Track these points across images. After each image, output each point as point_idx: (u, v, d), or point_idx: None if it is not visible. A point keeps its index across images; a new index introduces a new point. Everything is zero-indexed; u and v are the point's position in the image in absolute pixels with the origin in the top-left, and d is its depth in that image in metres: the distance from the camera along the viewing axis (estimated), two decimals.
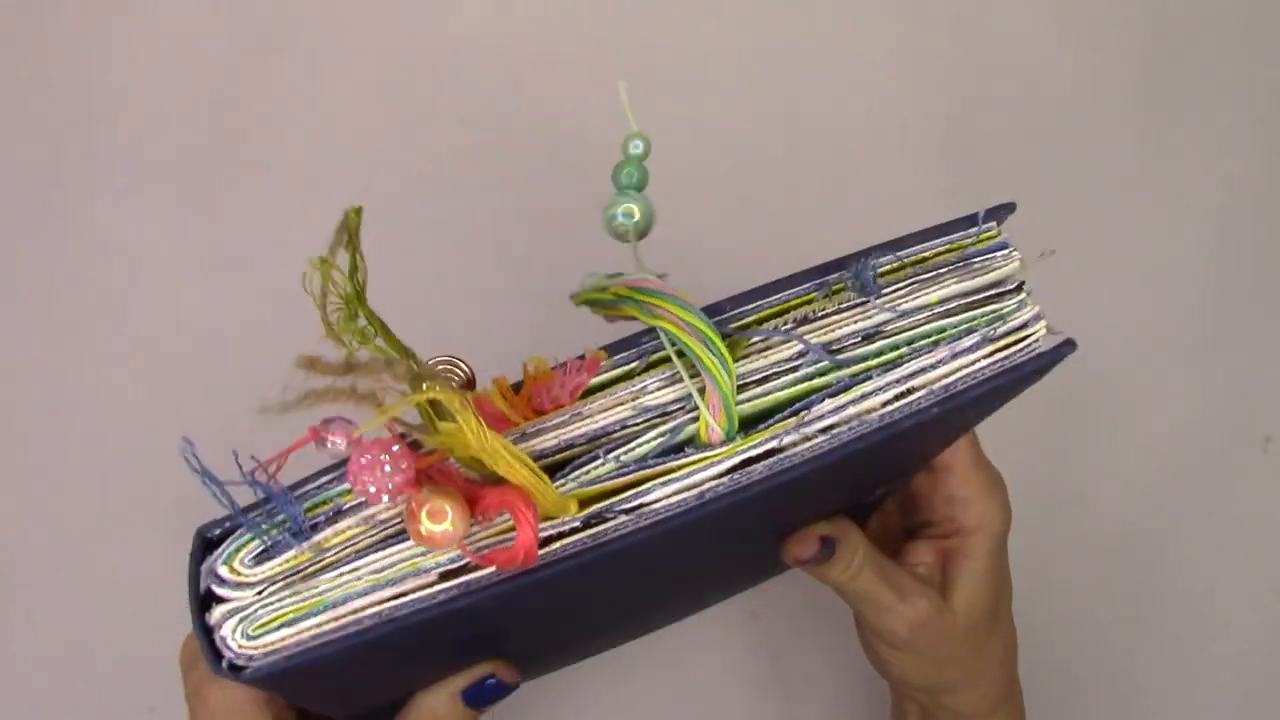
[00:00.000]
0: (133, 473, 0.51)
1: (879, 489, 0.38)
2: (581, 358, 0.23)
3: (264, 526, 0.22)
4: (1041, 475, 0.55)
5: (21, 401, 0.50)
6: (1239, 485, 0.56)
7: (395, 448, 0.20)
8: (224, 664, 0.22)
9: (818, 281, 0.25)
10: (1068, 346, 0.26)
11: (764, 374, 0.24)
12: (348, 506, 0.23)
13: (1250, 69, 0.52)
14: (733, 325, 0.24)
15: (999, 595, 0.39)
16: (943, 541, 0.38)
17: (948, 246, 0.26)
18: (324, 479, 0.23)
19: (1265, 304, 0.54)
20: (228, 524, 0.23)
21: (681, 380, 0.23)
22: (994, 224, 0.26)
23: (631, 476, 0.23)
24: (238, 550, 0.23)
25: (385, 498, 0.20)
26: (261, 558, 0.23)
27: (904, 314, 0.25)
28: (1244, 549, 0.57)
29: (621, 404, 0.23)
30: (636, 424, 0.23)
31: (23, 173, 0.49)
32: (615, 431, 0.23)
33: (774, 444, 0.23)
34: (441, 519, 0.20)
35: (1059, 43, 0.51)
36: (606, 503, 0.23)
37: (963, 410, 0.24)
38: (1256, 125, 0.53)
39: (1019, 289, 0.26)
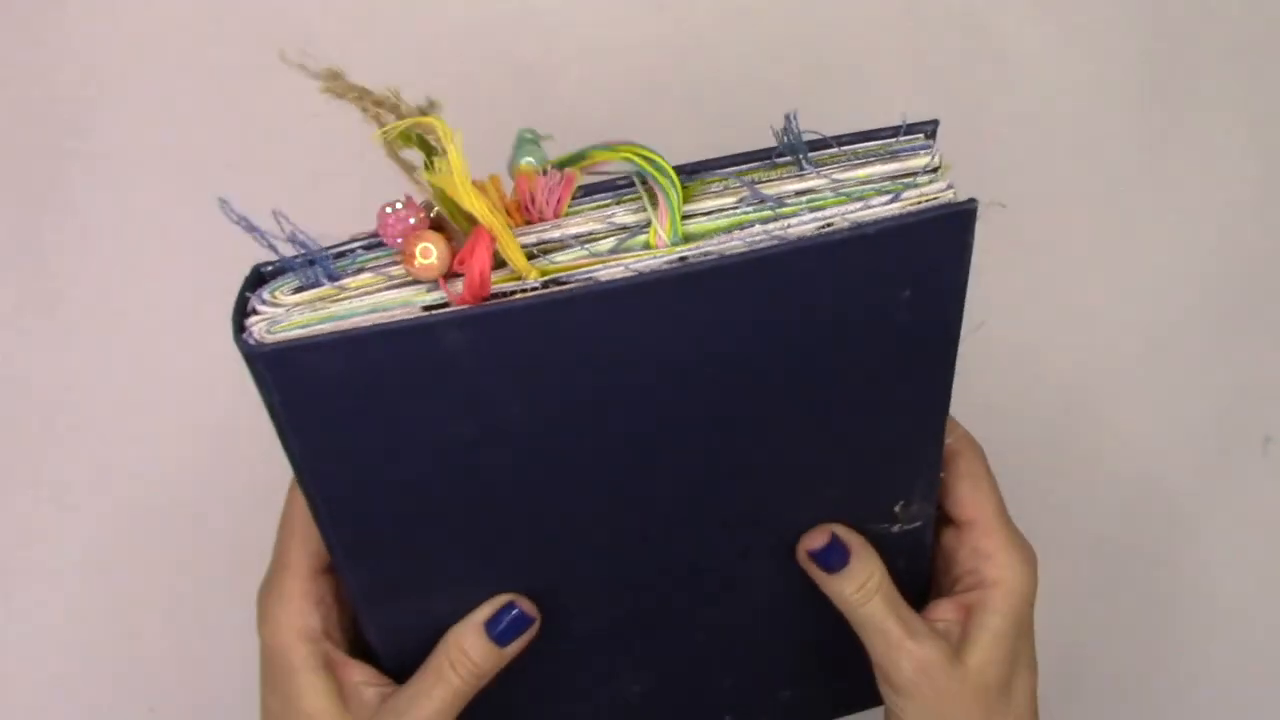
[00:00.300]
0: (133, 473, 0.51)
1: (894, 502, 0.38)
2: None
3: (303, 268, 0.29)
4: (1041, 475, 0.55)
5: (19, 389, 0.50)
6: (1239, 485, 0.56)
7: (414, 218, 0.28)
8: (246, 341, 0.28)
9: (765, 161, 0.31)
10: (970, 203, 0.30)
11: (709, 210, 0.30)
12: (370, 267, 0.30)
13: (1250, 69, 0.52)
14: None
15: (1016, 664, 0.38)
16: (964, 596, 0.38)
17: (880, 145, 0.31)
18: (357, 245, 0.30)
19: (1265, 304, 0.55)
20: (277, 265, 0.29)
21: (645, 209, 0.30)
22: (921, 135, 0.32)
23: (589, 260, 0.29)
24: (279, 286, 0.29)
25: (399, 240, 0.28)
26: (296, 291, 0.29)
27: (834, 181, 0.31)
28: (1244, 549, 0.57)
29: (593, 221, 0.30)
30: (601, 232, 0.30)
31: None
32: (584, 238, 0.30)
33: (711, 247, 0.29)
34: (429, 255, 0.28)
35: (1058, 41, 0.51)
36: (565, 274, 0.29)
37: (873, 248, 0.30)
38: (1256, 125, 0.53)
39: (935, 172, 0.31)
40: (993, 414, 0.54)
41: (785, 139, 0.31)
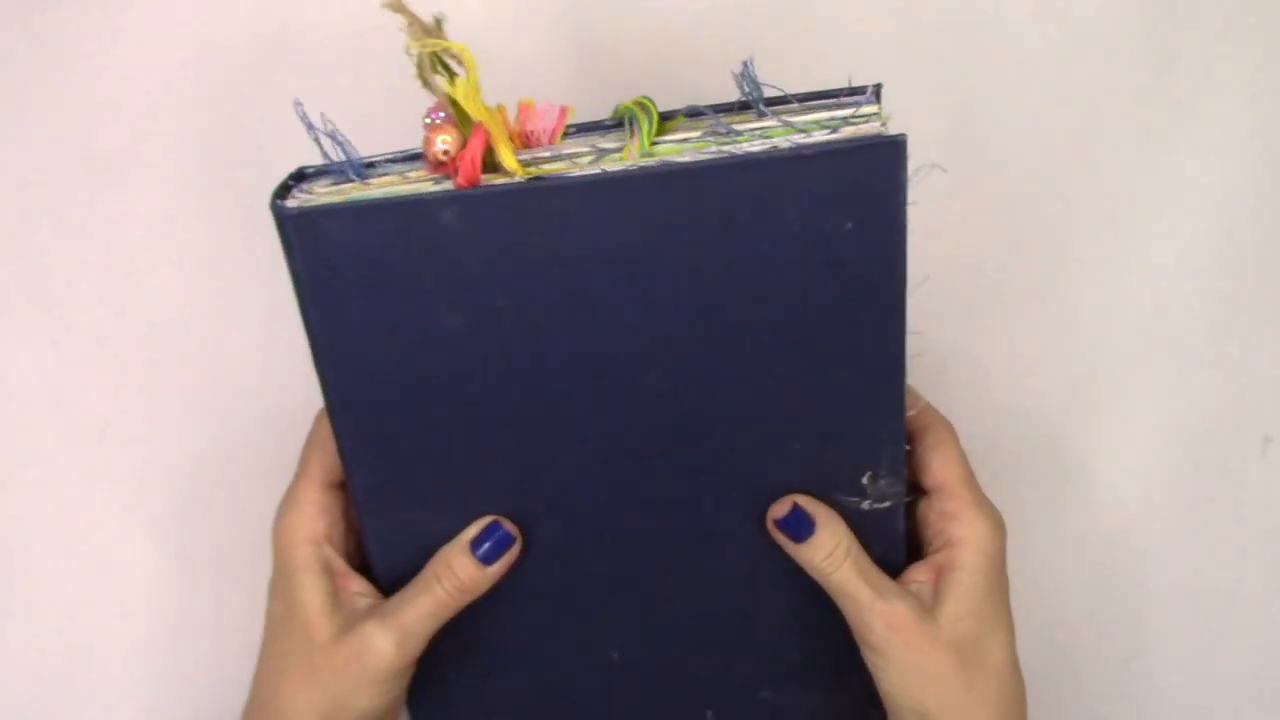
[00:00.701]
0: (135, 473, 0.52)
1: (860, 472, 0.39)
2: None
3: (338, 172, 0.35)
4: (1041, 475, 0.55)
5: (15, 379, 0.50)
6: (1239, 485, 0.56)
7: (443, 116, 0.34)
8: (280, 206, 0.34)
9: (731, 109, 0.36)
10: (899, 136, 0.34)
11: (679, 139, 0.35)
12: (393, 172, 0.35)
13: (1250, 68, 0.52)
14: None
15: (990, 622, 0.39)
16: (934, 557, 0.40)
17: (831, 102, 0.36)
18: (386, 158, 0.36)
19: (1265, 304, 0.54)
20: (318, 168, 0.35)
21: (625, 138, 0.35)
22: (866, 92, 0.36)
23: (569, 166, 0.34)
24: (317, 182, 0.35)
25: (426, 131, 0.34)
26: (329, 184, 0.35)
27: (785, 122, 0.35)
28: (1244, 549, 0.57)
29: (580, 145, 0.35)
30: (585, 153, 0.35)
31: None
32: (570, 156, 0.35)
33: (670, 159, 0.34)
34: (446, 144, 0.33)
35: (1058, 40, 0.51)
36: (548, 176, 0.34)
37: (811, 171, 0.34)
38: (1257, 125, 0.53)
39: (874, 118, 0.35)
40: (992, 414, 0.55)
41: (744, 85, 0.36)
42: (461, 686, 0.43)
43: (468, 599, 0.38)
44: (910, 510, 0.42)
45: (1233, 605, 0.57)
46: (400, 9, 0.33)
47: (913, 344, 0.38)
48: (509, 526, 0.38)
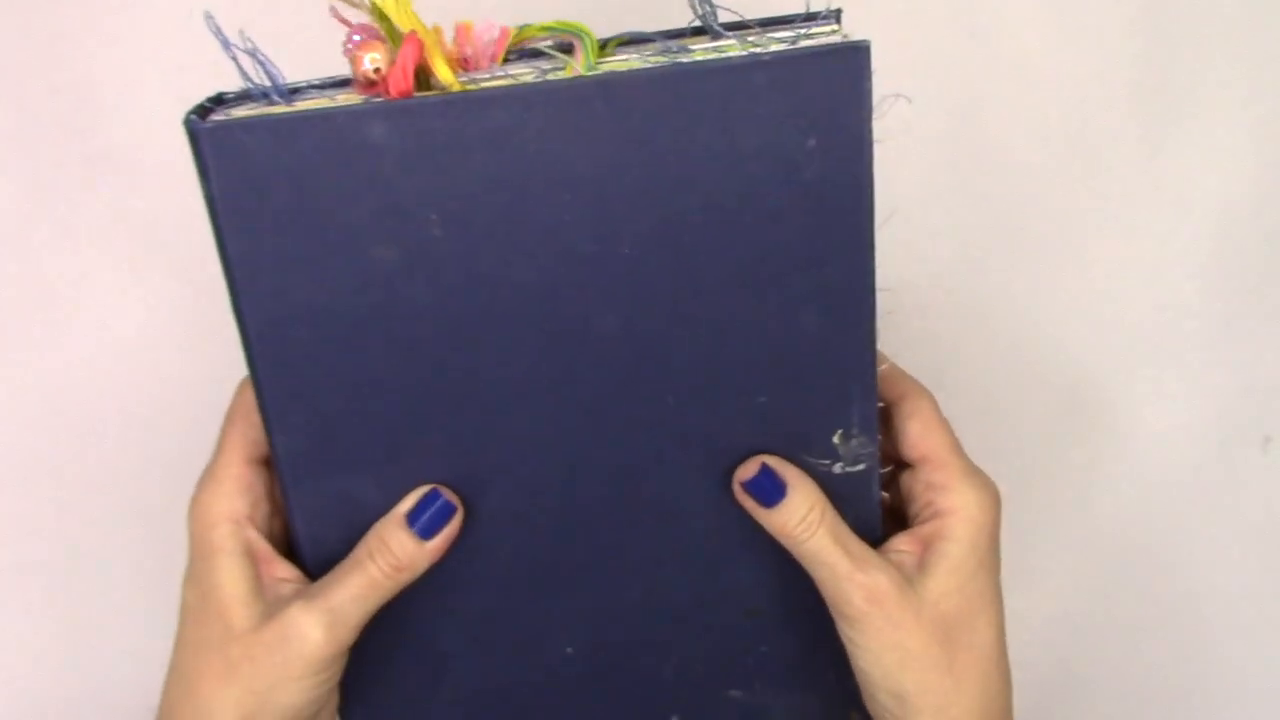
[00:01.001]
0: (136, 473, 0.52)
1: (831, 430, 0.37)
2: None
3: (260, 97, 0.32)
4: (1041, 475, 0.55)
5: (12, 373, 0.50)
6: (1239, 485, 0.56)
7: (370, 35, 0.31)
8: (193, 122, 0.31)
9: (683, 34, 0.34)
10: (864, 41, 0.32)
11: (625, 57, 0.33)
12: (320, 96, 0.32)
13: (1251, 68, 0.52)
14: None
15: (978, 600, 0.36)
16: (921, 529, 0.37)
17: (790, 27, 0.34)
18: (312, 85, 0.33)
19: (1265, 304, 0.55)
20: (239, 92, 0.32)
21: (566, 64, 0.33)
22: (825, 15, 0.34)
23: (510, 82, 0.32)
24: (237, 106, 0.32)
25: (350, 44, 0.31)
26: (250, 108, 0.32)
27: (743, 41, 0.32)
28: (1244, 549, 0.57)
29: (521, 69, 0.32)
30: (528, 71, 0.32)
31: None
32: (511, 76, 0.32)
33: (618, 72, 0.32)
34: (375, 63, 0.30)
35: (1057, 40, 0.51)
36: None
37: (768, 81, 0.32)
38: (1257, 125, 0.53)
39: (836, 33, 0.33)
40: (993, 413, 0.55)
41: (696, 4, 0.33)
42: (402, 690, 0.39)
43: (405, 578, 0.35)
44: (894, 485, 0.39)
45: (1233, 605, 0.57)
46: None
47: (884, 300, 0.36)
48: (449, 495, 0.35)
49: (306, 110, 0.31)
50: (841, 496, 0.37)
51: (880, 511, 0.38)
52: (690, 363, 0.35)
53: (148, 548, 0.51)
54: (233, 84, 0.32)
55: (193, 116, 0.31)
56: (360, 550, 0.35)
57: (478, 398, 0.35)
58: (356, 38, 0.31)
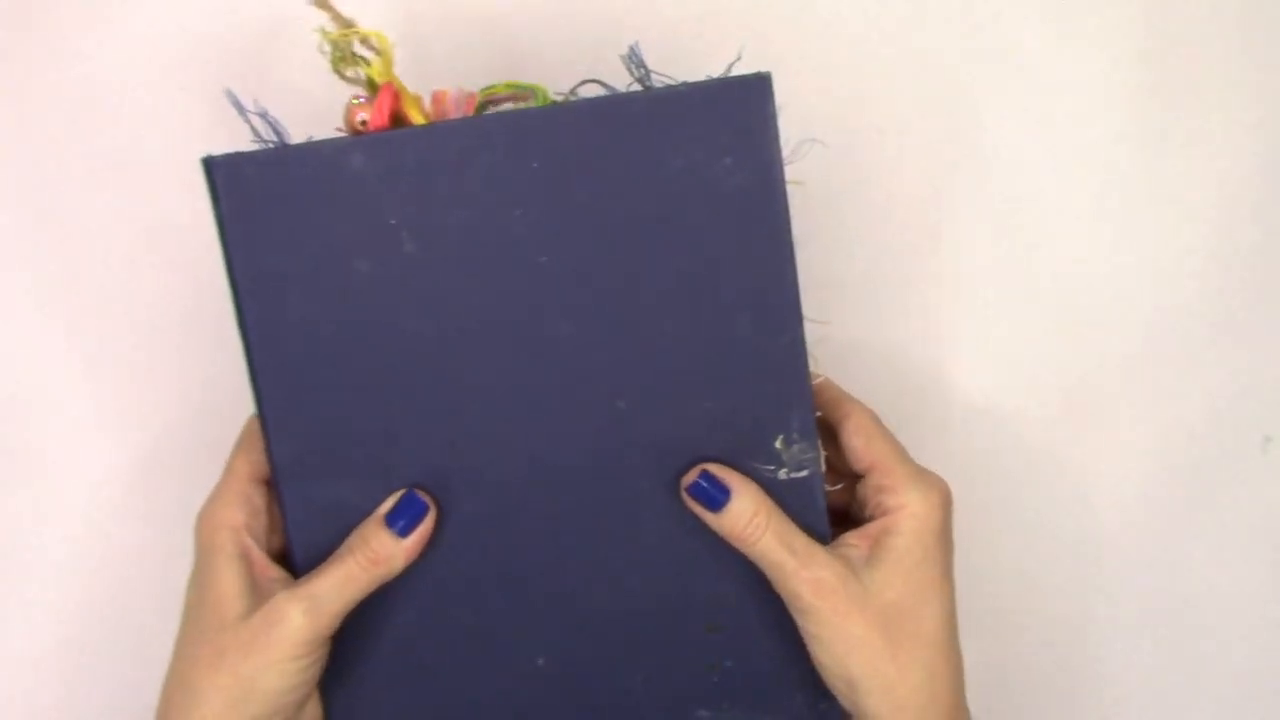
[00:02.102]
0: (136, 473, 0.52)
1: (773, 435, 0.39)
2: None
3: (268, 142, 0.37)
4: (1040, 475, 0.55)
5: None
6: (1239, 485, 0.56)
7: (365, 99, 0.38)
8: (210, 158, 0.36)
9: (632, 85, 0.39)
10: (765, 73, 0.37)
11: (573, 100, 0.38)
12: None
13: (1250, 69, 0.52)
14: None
15: (925, 591, 0.39)
16: (869, 526, 0.40)
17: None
18: (315, 139, 0.37)
19: (1265, 304, 0.55)
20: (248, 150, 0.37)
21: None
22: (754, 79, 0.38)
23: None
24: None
25: (350, 107, 0.37)
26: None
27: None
28: (1244, 549, 0.57)
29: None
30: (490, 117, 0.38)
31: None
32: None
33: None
34: (365, 116, 0.37)
35: (1057, 40, 0.51)
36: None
37: (681, 109, 0.37)
38: (1257, 125, 0.53)
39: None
40: (991, 415, 0.55)
41: (631, 67, 0.38)
42: (389, 699, 0.41)
43: (381, 573, 0.38)
44: (850, 495, 0.42)
45: (1232, 606, 0.57)
46: (325, 5, 0.37)
47: (814, 331, 0.38)
48: (423, 495, 0.39)
49: (298, 145, 0.37)
50: (789, 503, 0.39)
51: (827, 516, 0.40)
52: (637, 367, 0.39)
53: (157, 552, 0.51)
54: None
55: (208, 155, 0.36)
56: (343, 546, 0.39)
57: (448, 402, 0.38)
58: (357, 99, 0.37)
